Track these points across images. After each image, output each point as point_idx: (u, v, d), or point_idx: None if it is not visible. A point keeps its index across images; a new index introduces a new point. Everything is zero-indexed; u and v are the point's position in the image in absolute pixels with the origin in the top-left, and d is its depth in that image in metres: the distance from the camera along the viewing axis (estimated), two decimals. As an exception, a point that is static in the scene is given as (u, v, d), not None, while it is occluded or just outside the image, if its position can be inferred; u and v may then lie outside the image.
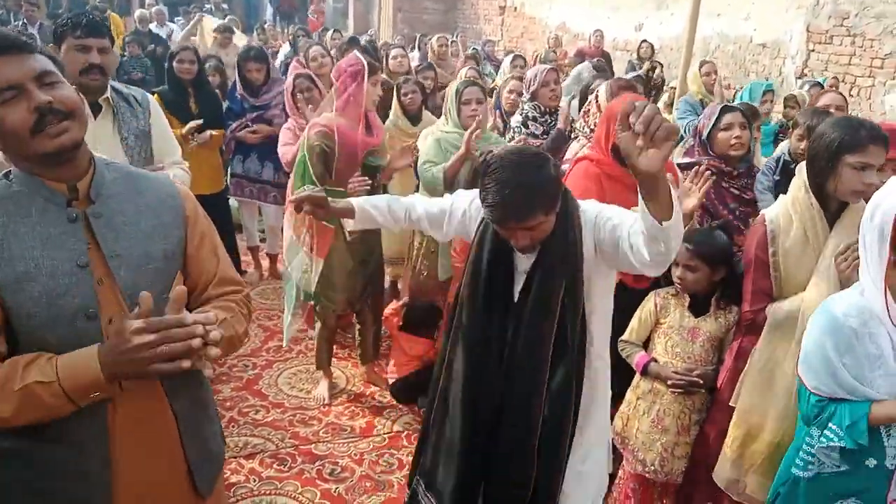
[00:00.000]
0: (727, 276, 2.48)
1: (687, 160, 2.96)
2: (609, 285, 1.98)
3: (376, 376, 3.88)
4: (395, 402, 3.70)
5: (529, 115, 4.12)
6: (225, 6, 14.80)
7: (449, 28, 13.93)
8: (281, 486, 3.01)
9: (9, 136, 1.30)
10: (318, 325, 3.65)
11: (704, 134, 2.86)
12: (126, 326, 1.23)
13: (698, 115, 4.04)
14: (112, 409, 1.39)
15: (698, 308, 2.52)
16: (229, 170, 4.91)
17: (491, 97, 5.08)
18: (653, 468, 2.49)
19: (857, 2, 7.35)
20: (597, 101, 3.26)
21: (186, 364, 1.22)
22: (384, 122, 4.05)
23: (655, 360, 2.53)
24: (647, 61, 8.44)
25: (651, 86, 6.90)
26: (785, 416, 2.17)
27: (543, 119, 4.12)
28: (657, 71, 7.46)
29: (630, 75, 5.58)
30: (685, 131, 4.30)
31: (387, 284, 4.39)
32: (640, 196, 1.46)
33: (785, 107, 5.26)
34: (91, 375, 1.24)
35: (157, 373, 1.23)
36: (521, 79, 4.79)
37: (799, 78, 7.81)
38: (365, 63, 3.28)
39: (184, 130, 4.12)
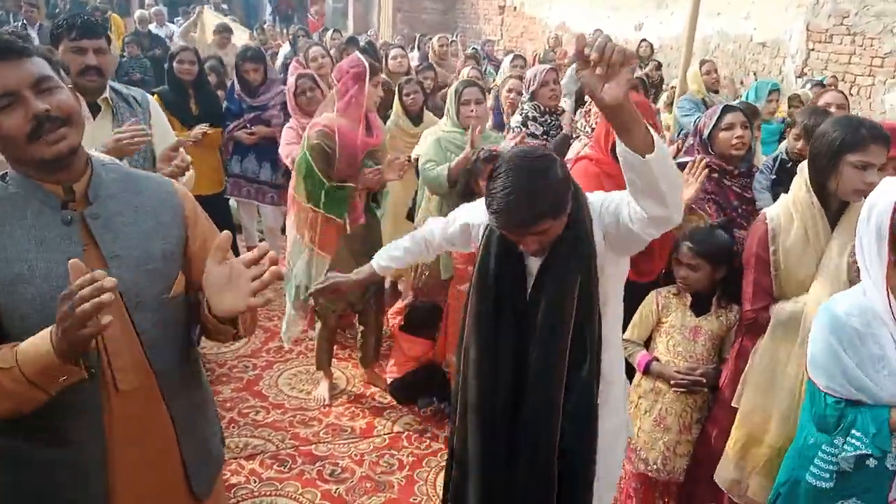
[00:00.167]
0: (728, 274, 2.48)
1: (688, 159, 2.96)
2: (621, 273, 1.93)
3: (377, 377, 3.87)
4: (395, 403, 3.69)
5: (529, 114, 4.12)
6: (224, 6, 14.80)
7: (448, 28, 13.93)
8: (281, 487, 3.00)
9: (5, 141, 1.30)
10: (318, 325, 3.64)
11: (706, 133, 2.85)
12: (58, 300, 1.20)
13: (701, 113, 4.03)
14: (108, 410, 1.38)
15: (700, 307, 2.52)
16: (227, 170, 4.90)
17: (490, 96, 5.08)
18: (655, 467, 2.49)
19: (856, 1, 7.35)
20: None
21: (106, 320, 1.17)
22: (385, 123, 4.05)
23: (657, 360, 2.52)
24: (646, 61, 8.44)
25: (650, 85, 6.89)
26: (788, 418, 2.16)
27: (543, 119, 4.12)
28: (656, 70, 7.47)
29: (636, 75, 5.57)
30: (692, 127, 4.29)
31: (387, 285, 4.38)
32: (617, 138, 1.46)
33: (789, 106, 5.26)
34: (44, 355, 1.21)
35: (85, 337, 1.18)
36: (520, 78, 4.78)
37: (799, 77, 7.81)
38: (367, 64, 3.28)
39: (191, 135, 4.12)
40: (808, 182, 2.16)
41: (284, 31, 12.67)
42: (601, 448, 1.90)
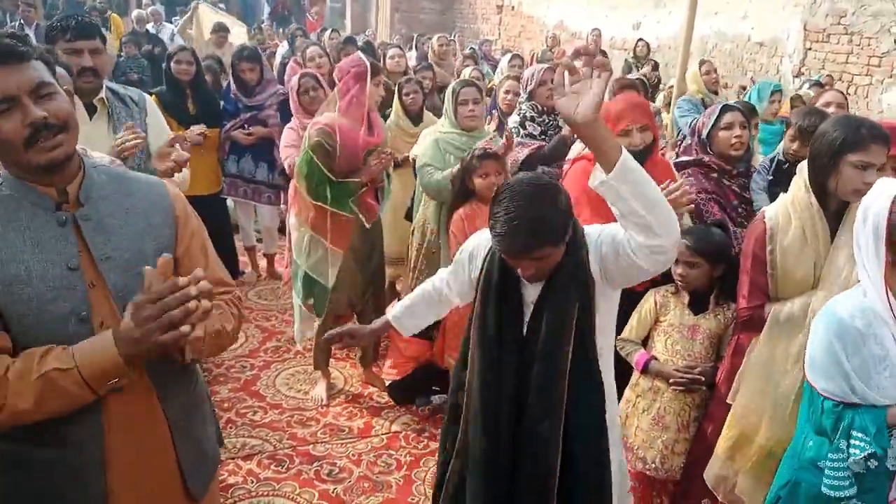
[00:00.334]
0: (726, 272, 2.49)
1: (686, 159, 2.96)
2: (612, 308, 1.95)
3: (374, 377, 3.87)
4: (393, 403, 3.69)
5: (527, 115, 4.11)
6: (222, 6, 14.78)
7: (446, 27, 13.92)
8: (279, 487, 3.00)
9: (2, 145, 1.30)
10: (317, 324, 3.64)
11: (704, 133, 2.85)
12: (132, 305, 1.25)
13: (700, 114, 4.03)
14: (105, 411, 1.39)
15: (697, 306, 2.53)
16: (224, 170, 4.90)
17: (489, 97, 5.07)
18: (653, 466, 2.50)
19: (854, 0, 7.36)
20: None
21: (186, 329, 1.23)
22: (384, 122, 4.05)
23: (655, 359, 2.53)
24: (643, 60, 8.44)
25: (648, 85, 6.90)
26: (781, 420, 2.15)
27: (541, 119, 4.11)
28: (653, 70, 7.47)
29: (633, 76, 5.57)
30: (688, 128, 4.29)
31: (386, 285, 4.38)
32: (594, 171, 1.49)
33: (791, 107, 5.25)
34: (109, 359, 1.25)
35: (163, 343, 1.23)
36: (517, 78, 4.77)
37: (797, 77, 7.81)
38: (368, 64, 3.29)
39: (190, 137, 4.13)
40: (808, 182, 2.15)
41: (281, 31, 12.66)
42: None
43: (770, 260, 2.20)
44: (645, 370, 2.53)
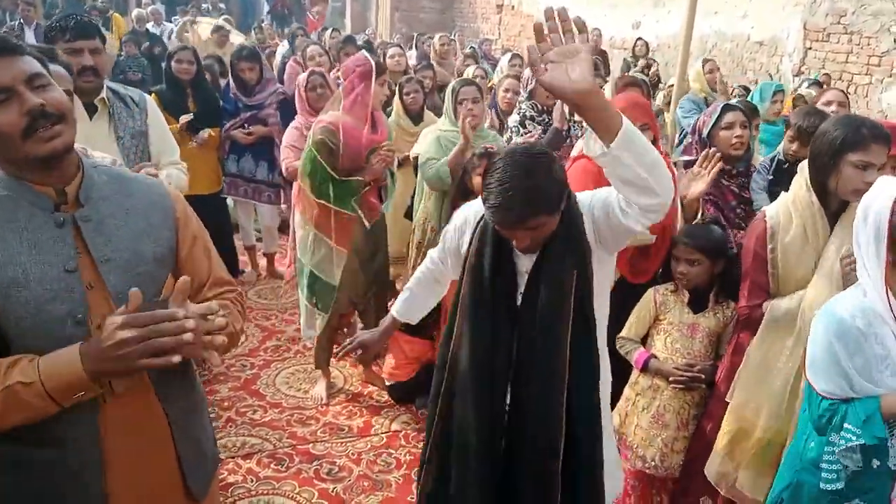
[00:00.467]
0: (725, 270, 2.49)
1: (686, 158, 2.96)
2: (607, 273, 1.93)
3: (374, 376, 3.87)
4: (392, 402, 3.69)
5: (527, 114, 4.12)
6: (222, 5, 14.77)
7: (446, 27, 13.91)
8: (278, 486, 3.00)
9: (0, 138, 1.29)
10: (320, 323, 3.64)
11: (705, 132, 2.85)
12: (109, 323, 1.23)
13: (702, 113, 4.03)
14: (103, 411, 1.38)
15: (697, 304, 2.53)
16: (224, 169, 4.90)
17: (488, 95, 5.07)
18: (653, 464, 2.50)
19: (854, -1, 7.37)
20: None
21: (177, 359, 1.22)
22: (385, 122, 4.06)
23: (655, 357, 2.53)
24: (641, 59, 8.44)
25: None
26: (778, 413, 2.17)
27: (541, 118, 4.12)
28: (652, 69, 7.47)
29: (636, 75, 5.57)
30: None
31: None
32: (588, 137, 1.45)
33: (793, 107, 5.25)
34: (73, 374, 1.24)
35: (145, 367, 1.22)
36: (517, 77, 4.77)
37: (796, 76, 7.81)
38: (373, 63, 3.31)
39: (180, 125, 4.15)
40: (809, 181, 2.15)
41: (281, 31, 12.66)
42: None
43: (771, 259, 2.21)
44: (644, 368, 2.53)
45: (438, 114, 4.21)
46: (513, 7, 13.95)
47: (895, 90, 7.06)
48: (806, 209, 2.15)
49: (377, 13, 16.10)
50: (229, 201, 5.08)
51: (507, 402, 1.87)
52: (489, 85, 5.84)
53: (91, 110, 2.62)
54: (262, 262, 5.42)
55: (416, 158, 3.71)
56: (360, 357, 2.32)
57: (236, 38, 8.52)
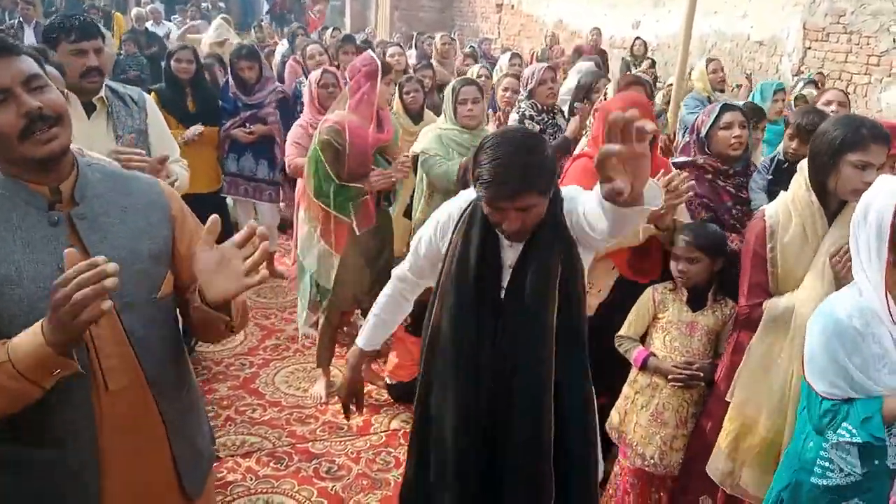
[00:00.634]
0: (724, 268, 2.50)
1: (683, 158, 2.96)
2: (583, 268, 1.92)
3: (374, 374, 3.87)
4: (392, 401, 3.70)
5: (527, 113, 4.12)
6: (221, 4, 14.77)
7: (446, 26, 13.92)
8: (278, 485, 3.01)
9: None
10: (321, 321, 3.65)
11: (703, 132, 2.85)
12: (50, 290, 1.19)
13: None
14: (99, 410, 1.38)
15: (696, 302, 2.54)
16: (223, 168, 4.90)
17: (489, 94, 5.08)
18: (652, 461, 2.51)
19: (853, -1, 7.38)
20: (605, 99, 3.26)
21: (106, 305, 1.16)
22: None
23: (654, 355, 2.54)
24: (640, 59, 8.45)
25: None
26: (779, 411, 2.17)
27: (540, 117, 4.12)
28: (643, 66, 7.47)
29: (640, 75, 5.57)
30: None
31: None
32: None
33: (796, 106, 5.26)
34: (37, 348, 1.19)
35: (82, 323, 1.17)
36: (516, 76, 4.78)
37: (796, 76, 7.82)
38: (379, 62, 3.33)
39: (186, 136, 4.15)
40: (808, 181, 2.15)
41: (280, 30, 12.66)
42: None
43: (770, 258, 2.21)
44: (643, 366, 2.53)
45: (438, 113, 4.21)
46: (512, 6, 13.96)
47: (894, 90, 7.06)
48: (805, 209, 2.16)
49: (377, 12, 16.10)
50: (229, 200, 5.08)
51: (489, 396, 1.86)
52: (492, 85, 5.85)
53: (89, 109, 2.61)
54: (262, 261, 5.41)
55: (415, 157, 3.71)
56: (355, 402, 2.22)
57: (235, 39, 8.52)
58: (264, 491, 2.97)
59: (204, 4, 13.70)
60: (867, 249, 1.70)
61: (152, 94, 4.18)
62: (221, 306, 1.38)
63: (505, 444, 1.83)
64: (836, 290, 1.92)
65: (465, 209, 1.89)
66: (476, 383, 1.84)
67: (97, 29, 2.66)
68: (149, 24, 9.86)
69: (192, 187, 3.15)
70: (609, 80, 4.19)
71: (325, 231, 3.41)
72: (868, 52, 7.29)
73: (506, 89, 4.60)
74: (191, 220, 1.59)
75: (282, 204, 5.31)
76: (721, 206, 2.78)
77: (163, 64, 4.66)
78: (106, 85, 2.68)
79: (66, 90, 2.34)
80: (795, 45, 8.07)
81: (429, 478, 1.95)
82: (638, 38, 9.29)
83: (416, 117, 4.32)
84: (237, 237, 1.34)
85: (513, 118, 4.21)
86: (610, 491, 2.74)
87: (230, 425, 3.42)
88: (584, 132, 3.85)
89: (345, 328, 3.99)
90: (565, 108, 4.43)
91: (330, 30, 8.62)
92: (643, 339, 2.64)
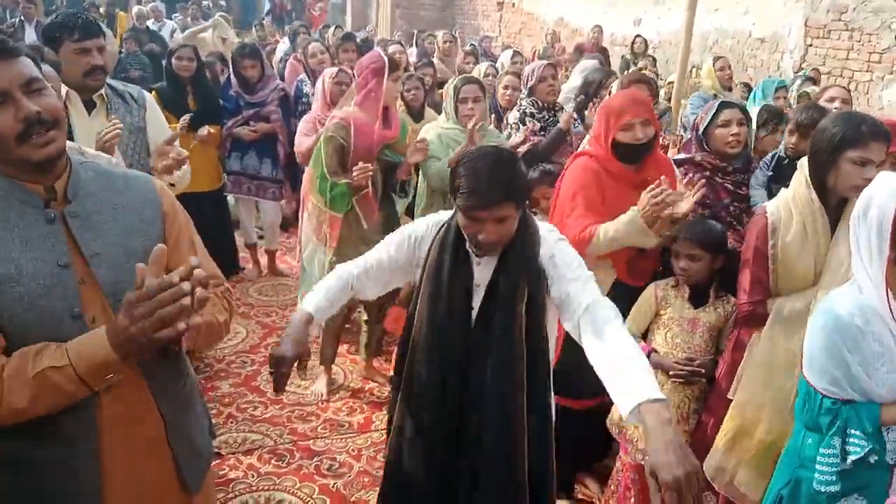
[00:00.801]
0: (725, 265, 2.50)
1: (683, 156, 2.96)
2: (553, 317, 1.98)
3: (375, 372, 3.88)
4: (393, 398, 3.70)
5: (527, 111, 4.11)
6: (223, 2, 14.77)
7: (447, 24, 13.92)
8: (279, 482, 3.01)
9: None
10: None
11: (701, 129, 2.85)
12: (124, 302, 1.24)
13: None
14: (99, 407, 1.39)
15: (697, 299, 2.54)
16: (225, 167, 4.91)
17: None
18: (652, 457, 2.51)
19: (855, -4, 7.36)
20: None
21: (182, 326, 1.23)
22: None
23: (655, 351, 2.54)
24: (640, 56, 8.44)
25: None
26: (781, 413, 2.16)
27: (541, 115, 4.12)
28: (640, 64, 7.47)
29: (645, 73, 5.56)
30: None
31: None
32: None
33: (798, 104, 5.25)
34: (102, 356, 1.25)
35: (159, 340, 1.23)
36: (517, 74, 4.77)
37: (797, 73, 7.81)
38: (385, 60, 3.36)
39: (179, 126, 4.15)
40: (808, 178, 2.15)
41: (280, 29, 12.66)
42: None
43: (772, 255, 2.20)
44: (644, 363, 2.54)
45: (439, 111, 4.22)
46: (513, 4, 13.96)
47: (895, 87, 7.06)
48: (806, 206, 2.15)
49: (378, 10, 16.10)
50: (230, 199, 5.09)
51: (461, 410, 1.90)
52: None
53: (89, 106, 2.62)
54: (264, 259, 5.43)
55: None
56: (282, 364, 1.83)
57: (233, 37, 8.53)
58: (266, 488, 2.97)
59: (205, 3, 13.68)
60: (867, 246, 1.68)
61: (153, 92, 4.19)
62: None
63: (477, 460, 1.88)
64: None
65: (441, 228, 1.94)
66: (441, 409, 1.89)
67: (99, 27, 2.67)
68: (150, 23, 9.87)
69: (194, 186, 3.16)
70: (618, 77, 4.18)
71: (318, 227, 3.45)
72: (869, 50, 7.29)
73: (506, 87, 4.60)
74: (181, 215, 1.60)
75: (283, 202, 5.31)
76: (718, 203, 2.78)
77: (164, 62, 4.67)
78: (106, 83, 2.68)
79: (64, 87, 2.34)
80: (797, 43, 8.07)
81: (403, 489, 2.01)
82: (638, 35, 9.27)
83: (417, 115, 4.34)
84: (168, 277, 1.26)
85: (513, 116, 4.21)
86: (612, 487, 2.74)
87: (232, 422, 3.42)
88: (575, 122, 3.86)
89: (346, 325, 3.99)
90: (568, 107, 4.42)
91: (332, 28, 8.61)
92: (645, 335, 2.64)
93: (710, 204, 2.77)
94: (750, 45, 8.81)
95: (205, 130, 4.44)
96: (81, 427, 1.38)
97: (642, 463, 2.54)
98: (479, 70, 5.50)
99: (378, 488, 2.96)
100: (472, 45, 8.81)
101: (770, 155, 3.19)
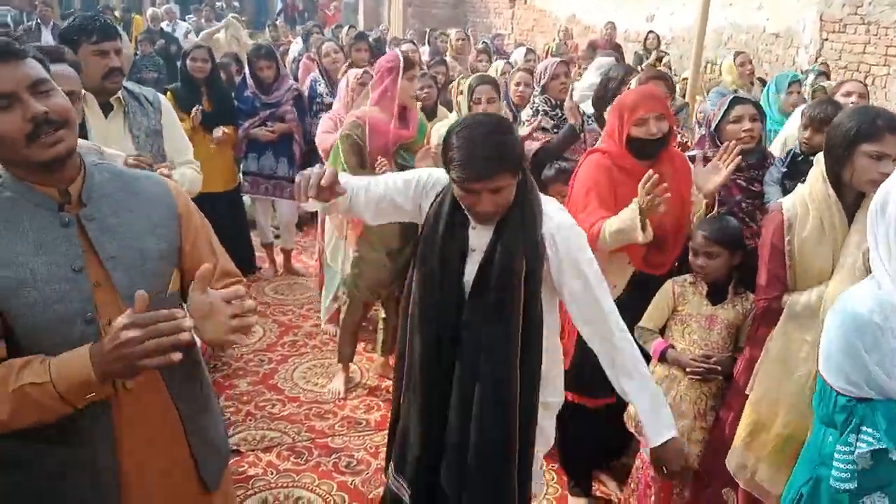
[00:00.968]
0: (743, 261, 2.50)
1: (695, 151, 2.95)
2: (553, 304, 1.99)
3: (391, 369, 3.89)
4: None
5: (540, 108, 4.11)
6: (236, 3, 14.85)
7: (459, 22, 13.93)
8: (298, 479, 3.04)
9: (3, 143, 1.30)
10: (342, 315, 3.70)
11: (713, 125, 2.84)
12: (115, 324, 1.24)
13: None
14: (117, 407, 1.40)
15: (716, 296, 2.53)
16: (242, 168, 4.95)
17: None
18: (671, 454, 2.51)
19: (870, -11, 7.29)
20: None
21: (177, 357, 1.23)
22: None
23: (673, 347, 2.54)
24: (653, 52, 8.40)
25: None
26: (797, 408, 2.16)
27: (554, 112, 4.10)
28: (664, 61, 7.43)
29: (661, 69, 5.54)
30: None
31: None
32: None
33: (814, 99, 5.21)
34: (83, 375, 1.24)
35: (147, 367, 1.23)
36: (529, 71, 4.77)
37: (809, 68, 7.76)
38: (401, 59, 3.39)
39: (191, 117, 4.20)
40: (825, 173, 2.14)
41: (293, 29, 12.71)
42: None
43: (788, 251, 2.19)
44: (662, 358, 2.54)
45: (451, 109, 4.23)
46: (525, 1, 13.92)
47: (913, 81, 7.00)
48: (822, 202, 2.14)
49: (390, 9, 16.11)
50: (246, 199, 5.12)
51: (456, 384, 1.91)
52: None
53: (106, 109, 2.64)
54: (280, 258, 5.47)
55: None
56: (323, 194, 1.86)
57: (246, 38, 8.57)
58: (285, 485, 3.00)
59: (218, 4, 13.77)
60: (886, 242, 1.67)
61: (168, 93, 4.23)
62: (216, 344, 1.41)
63: (467, 442, 1.89)
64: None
65: (440, 191, 1.93)
66: (436, 373, 1.91)
67: (116, 30, 2.70)
68: (164, 24, 9.94)
69: (209, 187, 3.20)
70: (638, 73, 4.16)
71: (340, 224, 3.49)
72: (886, 44, 7.21)
73: (518, 84, 4.60)
74: (196, 216, 1.60)
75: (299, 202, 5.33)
76: (730, 199, 2.75)
77: (178, 64, 4.71)
78: (122, 85, 2.71)
79: (83, 91, 2.36)
80: (812, 37, 8.00)
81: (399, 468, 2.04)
82: (651, 31, 9.23)
83: (430, 114, 4.34)
84: (224, 293, 1.36)
85: (526, 113, 4.20)
86: (632, 486, 2.73)
87: (250, 420, 3.45)
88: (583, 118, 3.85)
89: (363, 323, 4.02)
90: (584, 106, 4.40)
91: (346, 28, 8.63)
92: (662, 331, 2.64)
93: (723, 200, 2.75)
94: (764, 40, 8.74)
95: (220, 131, 4.48)
96: (100, 426, 1.39)
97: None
98: (496, 68, 5.50)
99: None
100: (484, 42, 8.80)
101: (786, 151, 3.17)
